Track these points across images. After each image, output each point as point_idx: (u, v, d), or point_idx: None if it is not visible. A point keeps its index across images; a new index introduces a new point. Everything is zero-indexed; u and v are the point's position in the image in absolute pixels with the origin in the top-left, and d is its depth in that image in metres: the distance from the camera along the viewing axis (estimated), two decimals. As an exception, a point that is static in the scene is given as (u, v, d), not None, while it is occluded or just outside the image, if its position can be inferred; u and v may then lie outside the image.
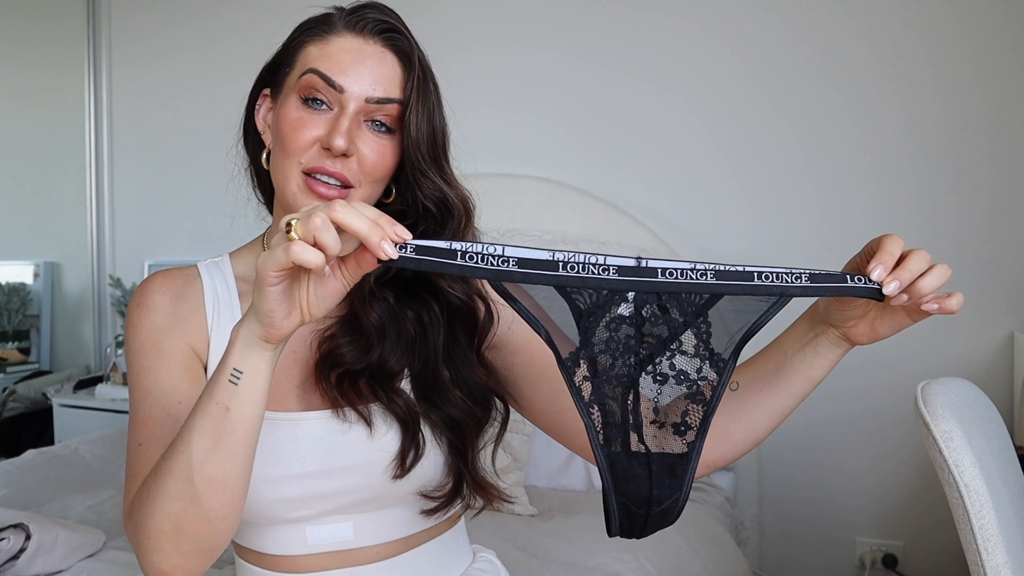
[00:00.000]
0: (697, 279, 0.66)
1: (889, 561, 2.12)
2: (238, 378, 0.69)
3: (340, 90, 0.83)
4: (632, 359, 0.67)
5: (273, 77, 0.92)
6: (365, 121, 0.85)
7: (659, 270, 0.65)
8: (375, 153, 0.85)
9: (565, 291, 0.65)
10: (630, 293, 0.65)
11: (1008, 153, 2.01)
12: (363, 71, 0.84)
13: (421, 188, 0.87)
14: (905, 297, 0.71)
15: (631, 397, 0.68)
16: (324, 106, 0.84)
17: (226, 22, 2.80)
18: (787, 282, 0.69)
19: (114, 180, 3.06)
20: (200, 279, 0.94)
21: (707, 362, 0.68)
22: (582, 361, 0.67)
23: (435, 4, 2.43)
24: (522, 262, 0.64)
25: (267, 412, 0.87)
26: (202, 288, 0.93)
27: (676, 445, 0.69)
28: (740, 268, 0.69)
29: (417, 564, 0.92)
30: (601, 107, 2.35)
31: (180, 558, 0.74)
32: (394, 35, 0.87)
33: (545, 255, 0.64)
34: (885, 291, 0.70)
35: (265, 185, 0.96)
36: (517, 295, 0.66)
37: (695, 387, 0.69)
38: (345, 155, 0.83)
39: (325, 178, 0.83)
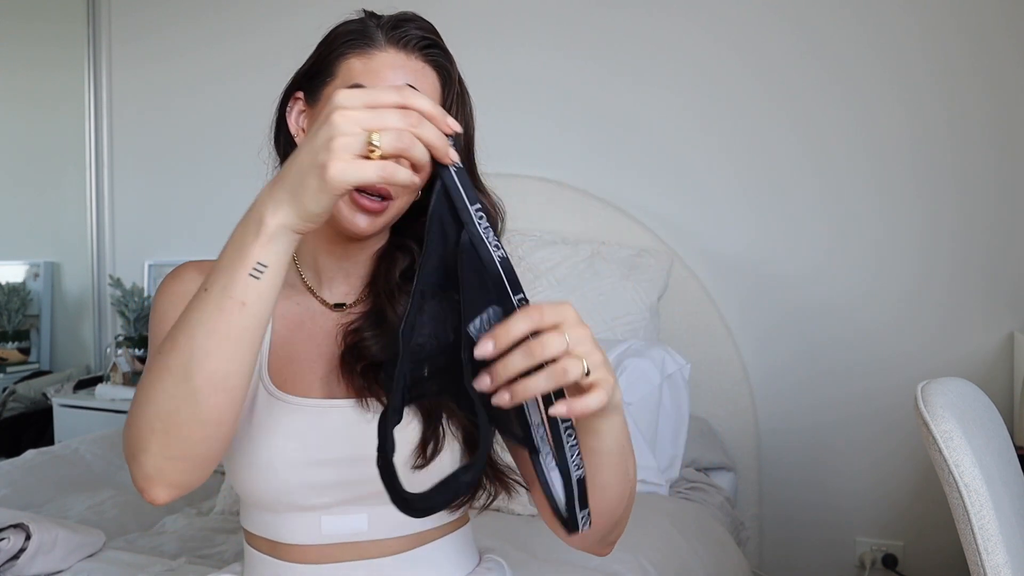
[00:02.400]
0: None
1: (889, 561, 2.12)
2: (261, 272, 0.67)
3: None
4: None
5: (310, 83, 0.93)
6: None
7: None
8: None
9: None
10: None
11: (1009, 153, 2.01)
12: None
13: None
14: (487, 381, 0.62)
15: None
16: None
17: (226, 23, 2.80)
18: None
19: (114, 180, 3.06)
20: None
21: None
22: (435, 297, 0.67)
23: (437, 6, 2.43)
24: (503, 262, 0.65)
25: (292, 397, 0.90)
26: None
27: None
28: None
29: (427, 560, 0.93)
30: (602, 107, 2.35)
31: (165, 463, 0.72)
32: (435, 51, 0.90)
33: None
34: (476, 351, 0.62)
35: None
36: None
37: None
38: None
39: (368, 192, 0.85)
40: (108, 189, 3.07)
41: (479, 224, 0.65)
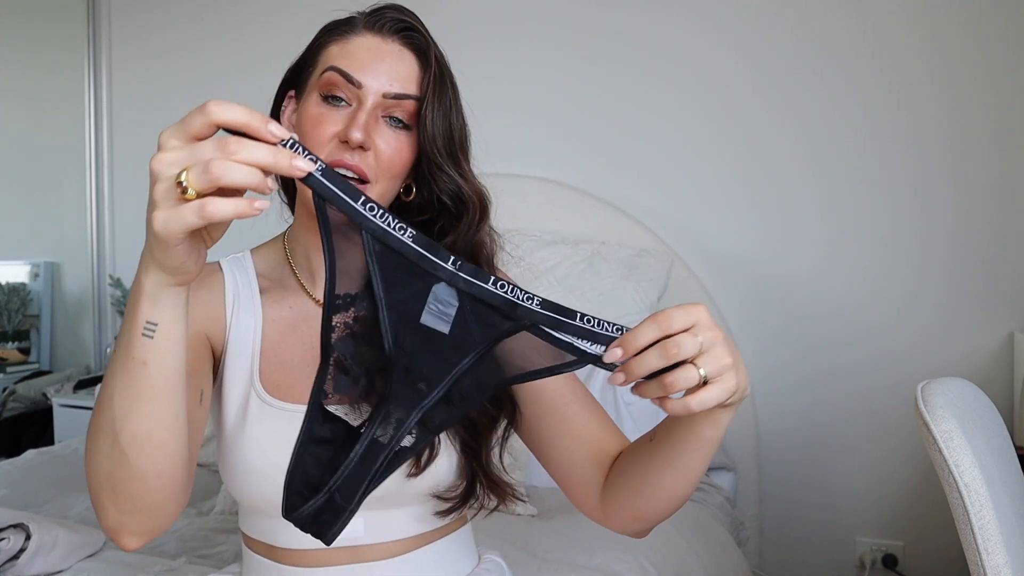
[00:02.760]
0: (521, 301, 0.64)
1: (889, 561, 2.12)
2: (153, 330, 0.65)
3: (358, 86, 0.85)
4: (389, 346, 0.65)
5: (297, 78, 0.94)
6: (383, 117, 0.87)
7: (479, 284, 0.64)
8: (391, 148, 0.87)
9: (383, 251, 0.63)
10: (443, 286, 0.64)
11: (1008, 152, 2.01)
12: (381, 67, 0.86)
13: (436, 182, 0.89)
14: (621, 377, 0.64)
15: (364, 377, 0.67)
16: (343, 102, 0.86)
17: (226, 23, 2.80)
18: (605, 330, 0.64)
19: (114, 180, 3.06)
20: (222, 273, 0.95)
21: (466, 390, 0.66)
22: (352, 309, 0.66)
23: (437, 6, 2.43)
24: (416, 238, 0.63)
25: (286, 404, 0.89)
26: (223, 281, 0.95)
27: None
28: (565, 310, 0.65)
29: (426, 562, 0.93)
30: (602, 108, 2.35)
31: (123, 516, 0.73)
32: (412, 33, 0.90)
33: (351, 187, 0.63)
34: (606, 358, 0.64)
35: (288, 184, 0.99)
36: (347, 248, 0.64)
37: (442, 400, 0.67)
38: (363, 148, 0.84)
39: (343, 171, 0.84)
40: (108, 189, 3.07)
41: (375, 217, 0.63)
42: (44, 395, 2.89)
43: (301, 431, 0.67)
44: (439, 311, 0.64)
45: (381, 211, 0.63)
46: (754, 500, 2.19)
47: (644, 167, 2.32)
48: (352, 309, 0.66)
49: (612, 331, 0.64)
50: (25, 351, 3.11)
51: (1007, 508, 0.92)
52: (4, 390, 2.93)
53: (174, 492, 0.74)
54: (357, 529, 0.89)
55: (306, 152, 0.60)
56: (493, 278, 0.65)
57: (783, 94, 2.19)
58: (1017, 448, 1.49)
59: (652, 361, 0.63)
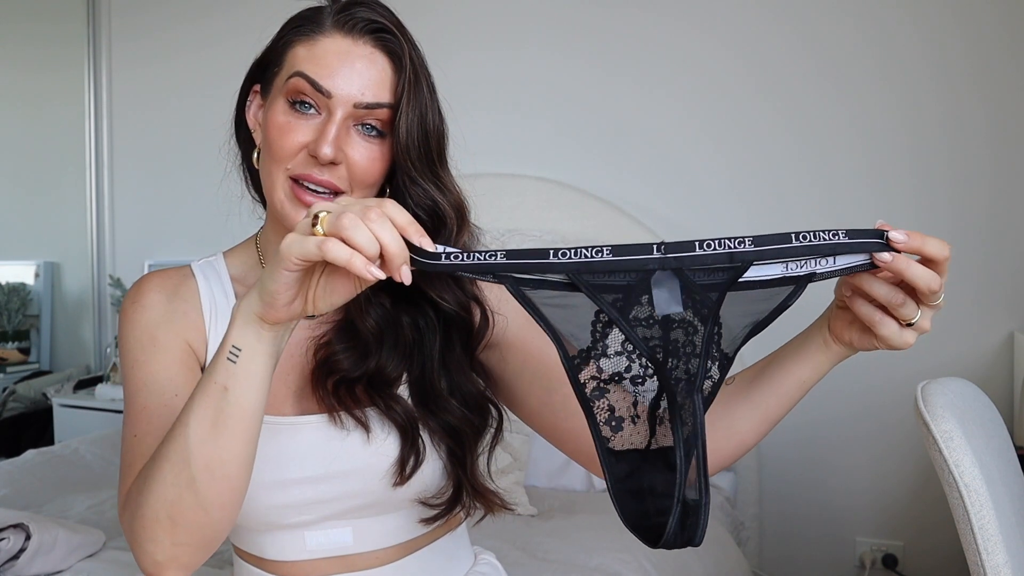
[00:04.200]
0: (735, 247, 0.65)
1: (889, 561, 2.12)
2: (236, 356, 0.67)
3: (328, 95, 0.80)
4: (646, 362, 0.66)
5: (262, 74, 0.89)
6: (355, 125, 0.82)
7: (684, 249, 0.64)
8: (365, 159, 0.82)
9: (588, 287, 0.64)
10: (644, 296, 0.64)
11: (1006, 151, 2.01)
12: (351, 75, 0.81)
13: (411, 195, 0.84)
14: (888, 257, 0.64)
15: (640, 398, 0.67)
16: (312, 110, 0.82)
17: (226, 23, 2.79)
18: (824, 240, 0.64)
19: (114, 180, 3.06)
20: (195, 279, 0.92)
21: (716, 363, 0.67)
22: (592, 360, 0.66)
23: (435, 7, 2.43)
24: (510, 253, 0.64)
25: (265, 416, 0.85)
26: (198, 288, 0.92)
27: (669, 439, 0.67)
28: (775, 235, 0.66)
29: (417, 569, 0.92)
30: (600, 108, 2.35)
31: (175, 549, 0.72)
32: (385, 35, 0.83)
33: (534, 250, 0.64)
34: (890, 235, 0.64)
35: (258, 182, 0.94)
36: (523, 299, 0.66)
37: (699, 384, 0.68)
38: (333, 163, 0.80)
39: (312, 186, 0.81)
40: (108, 189, 3.06)
41: (570, 258, 0.64)
42: (44, 395, 2.89)
43: (606, 479, 0.67)
44: (667, 297, 0.64)
45: (570, 250, 0.64)
46: (754, 500, 2.19)
47: (643, 167, 2.32)
48: (591, 362, 0.66)
49: (830, 237, 0.64)
50: (25, 351, 3.11)
51: (1007, 508, 0.92)
52: (4, 390, 2.93)
53: (228, 526, 0.74)
54: (346, 538, 0.88)
55: (473, 256, 0.63)
56: (696, 242, 0.65)
57: (782, 94, 2.19)
58: (1017, 448, 1.49)
59: (922, 276, 0.64)
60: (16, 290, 3.09)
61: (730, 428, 0.80)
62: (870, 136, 2.12)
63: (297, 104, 0.82)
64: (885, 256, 0.63)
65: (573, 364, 0.66)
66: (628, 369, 0.66)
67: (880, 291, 0.66)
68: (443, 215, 0.85)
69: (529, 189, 2.29)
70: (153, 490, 0.71)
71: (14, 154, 3.23)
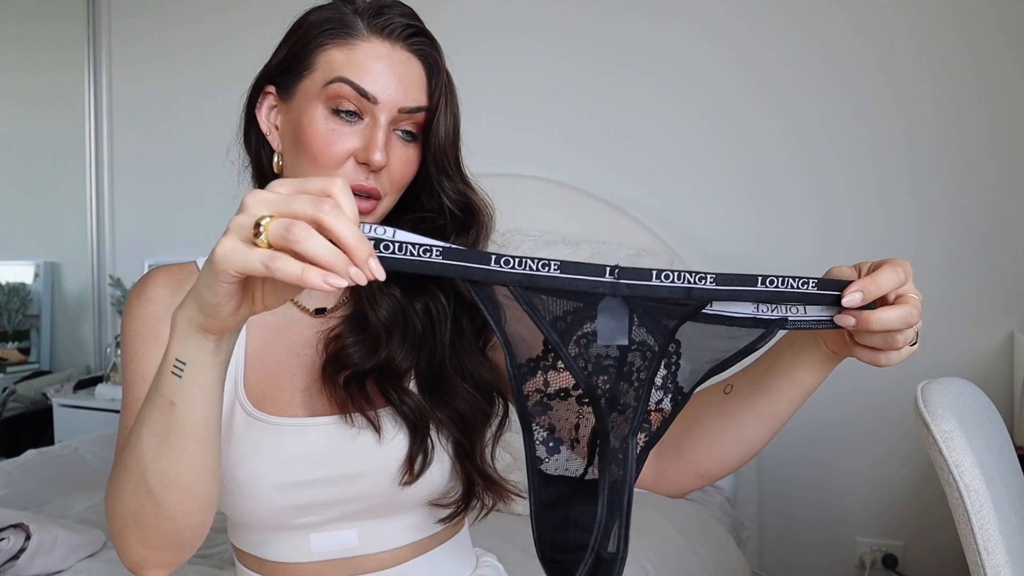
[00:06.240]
0: (695, 283, 0.60)
1: (889, 561, 2.12)
2: (181, 370, 0.63)
3: (374, 100, 0.81)
4: (597, 380, 0.62)
5: (283, 77, 0.88)
6: (394, 130, 0.84)
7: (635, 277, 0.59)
8: (403, 163, 0.84)
9: (528, 299, 0.59)
10: (593, 315, 0.60)
11: (1006, 151, 2.01)
12: (393, 79, 0.82)
13: (446, 193, 0.86)
14: (852, 321, 0.65)
15: (583, 420, 0.64)
16: (355, 116, 0.82)
17: (226, 24, 2.80)
18: (791, 288, 0.62)
19: (114, 180, 3.06)
20: None
21: (669, 396, 0.63)
22: (540, 372, 0.63)
23: (435, 7, 2.43)
24: (447, 252, 0.58)
25: (272, 417, 0.86)
26: None
27: (614, 472, 0.63)
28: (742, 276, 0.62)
29: (422, 571, 0.91)
30: (600, 108, 2.35)
31: (147, 552, 0.73)
32: (421, 39, 0.85)
33: (476, 252, 0.59)
34: (843, 301, 0.64)
35: (260, 167, 0.93)
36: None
37: (647, 416, 0.64)
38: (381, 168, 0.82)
39: (356, 192, 0.81)
40: (108, 189, 3.06)
41: (515, 268, 0.59)
42: (44, 395, 2.89)
43: (530, 501, 0.64)
44: (613, 327, 0.60)
45: (515, 259, 0.59)
46: (754, 500, 2.19)
47: (643, 167, 2.32)
48: (539, 373, 0.64)
49: (799, 286, 0.62)
50: (25, 351, 3.11)
51: (1007, 508, 0.92)
52: (4, 390, 2.93)
53: (200, 530, 0.73)
54: (351, 540, 0.87)
55: (408, 249, 0.56)
56: (654, 271, 0.60)
57: (781, 94, 2.19)
58: (1017, 448, 1.49)
59: (893, 320, 0.63)
60: (16, 290, 3.09)
61: (738, 436, 0.80)
62: (870, 136, 2.12)
63: (341, 112, 0.82)
64: (848, 321, 0.64)
65: (520, 372, 0.62)
66: (576, 386, 0.63)
67: (873, 341, 0.68)
68: (476, 211, 0.88)
69: (529, 189, 2.29)
70: (119, 498, 0.71)
71: (14, 154, 3.23)
